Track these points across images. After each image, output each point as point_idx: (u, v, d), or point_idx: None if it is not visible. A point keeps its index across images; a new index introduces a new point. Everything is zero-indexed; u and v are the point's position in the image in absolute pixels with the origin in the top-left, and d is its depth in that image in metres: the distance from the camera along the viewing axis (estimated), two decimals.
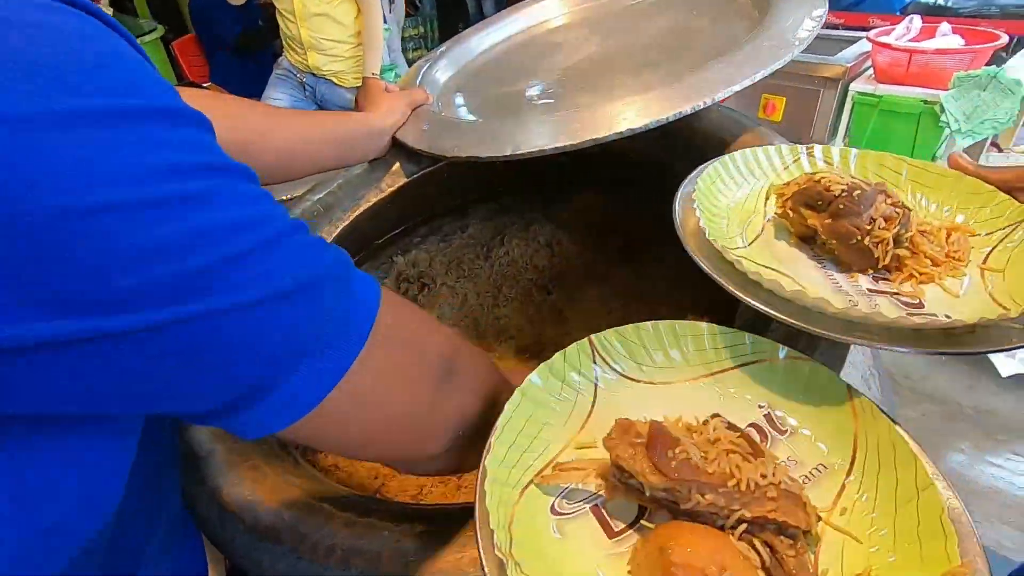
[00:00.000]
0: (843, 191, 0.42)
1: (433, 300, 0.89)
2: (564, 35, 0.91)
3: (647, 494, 0.30)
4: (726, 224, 0.47)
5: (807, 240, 0.45)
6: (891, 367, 1.83)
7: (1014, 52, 1.76)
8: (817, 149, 0.51)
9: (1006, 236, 0.41)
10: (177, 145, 0.20)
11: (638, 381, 0.39)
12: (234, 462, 0.45)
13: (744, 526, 0.29)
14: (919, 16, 1.78)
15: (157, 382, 0.22)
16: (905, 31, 1.73)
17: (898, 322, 0.34)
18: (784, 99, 1.84)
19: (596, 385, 0.38)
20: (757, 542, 0.29)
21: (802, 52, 0.60)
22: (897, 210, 0.41)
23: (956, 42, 1.65)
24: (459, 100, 0.81)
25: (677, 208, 0.46)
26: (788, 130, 1.93)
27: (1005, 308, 0.36)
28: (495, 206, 0.96)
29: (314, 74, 2.17)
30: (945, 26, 1.70)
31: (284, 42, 2.18)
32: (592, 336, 0.39)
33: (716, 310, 0.70)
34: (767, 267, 0.42)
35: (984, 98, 1.50)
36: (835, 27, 2.12)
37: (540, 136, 0.59)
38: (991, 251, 0.41)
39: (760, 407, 0.37)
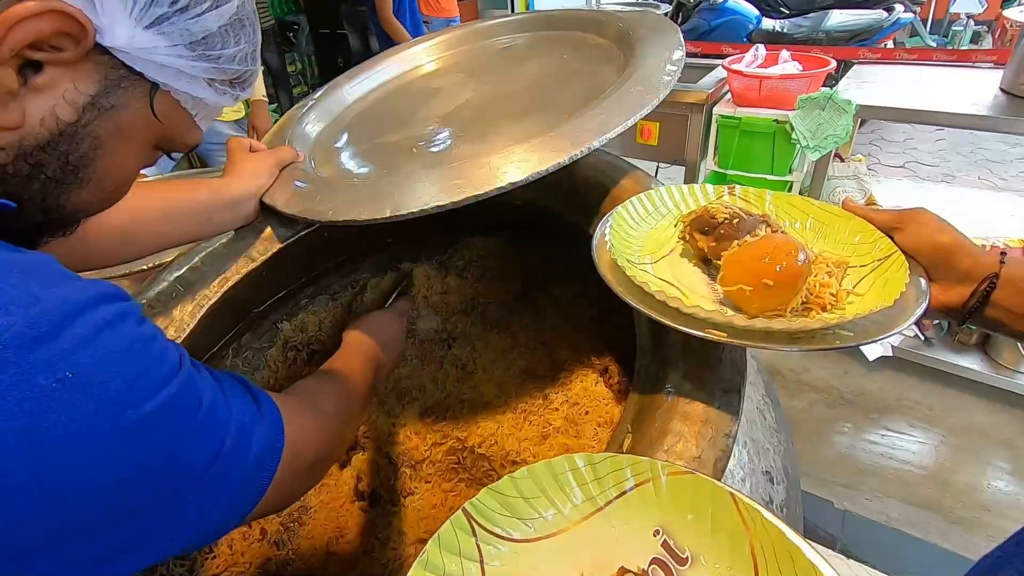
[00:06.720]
0: (725, 219, 0.48)
1: None
2: (440, 80, 0.89)
3: None
4: (638, 250, 0.51)
5: (707, 261, 0.50)
6: (775, 364, 1.98)
7: (842, 75, 2.02)
8: (738, 188, 0.56)
9: (876, 268, 0.45)
10: None
11: (528, 541, 0.35)
12: None
13: None
14: (763, 44, 1.99)
15: None
16: (753, 58, 1.92)
17: (751, 325, 0.39)
18: (658, 124, 1.97)
19: (482, 565, 0.33)
20: None
21: None
22: None
23: (795, 68, 1.86)
24: (334, 155, 0.76)
25: (596, 237, 0.50)
26: (665, 151, 2.07)
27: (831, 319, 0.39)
28: (386, 257, 0.92)
29: None
30: (785, 53, 1.91)
31: None
32: (466, 504, 0.35)
33: (614, 349, 0.70)
34: (661, 279, 0.44)
35: (824, 116, 1.70)
36: (694, 55, 2.31)
37: (420, 195, 0.56)
38: (862, 278, 0.45)
39: (656, 534, 0.35)
